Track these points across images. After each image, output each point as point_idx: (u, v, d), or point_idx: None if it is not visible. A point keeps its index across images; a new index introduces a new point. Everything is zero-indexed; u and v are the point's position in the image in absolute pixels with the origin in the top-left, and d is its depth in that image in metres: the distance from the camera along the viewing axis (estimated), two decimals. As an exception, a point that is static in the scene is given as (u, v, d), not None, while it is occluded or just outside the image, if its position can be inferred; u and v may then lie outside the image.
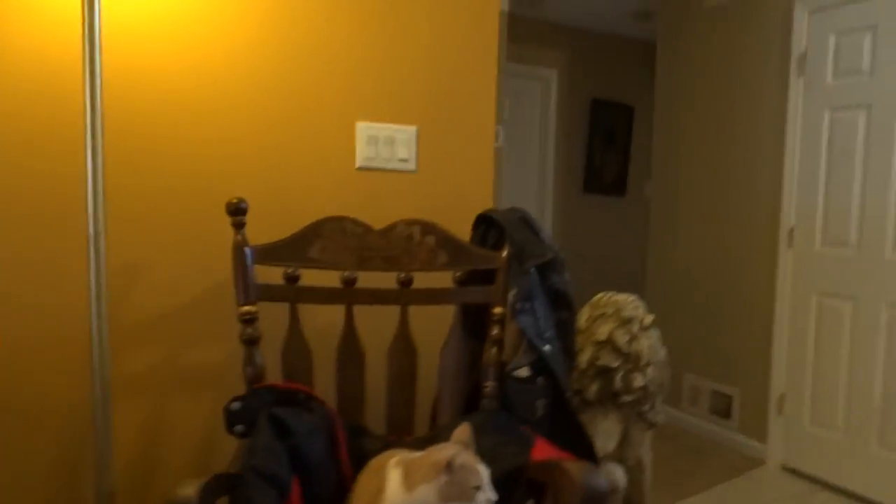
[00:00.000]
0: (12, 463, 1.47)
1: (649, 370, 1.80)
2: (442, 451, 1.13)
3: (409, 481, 1.13)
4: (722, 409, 3.42)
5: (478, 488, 1.10)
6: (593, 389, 1.80)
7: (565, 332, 1.56)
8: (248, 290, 1.44)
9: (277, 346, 1.49)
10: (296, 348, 1.51)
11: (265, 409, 1.25)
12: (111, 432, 1.42)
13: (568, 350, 1.56)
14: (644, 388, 1.79)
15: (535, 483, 1.26)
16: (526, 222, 1.56)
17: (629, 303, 1.83)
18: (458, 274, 1.59)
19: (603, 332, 1.80)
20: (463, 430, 1.18)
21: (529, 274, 1.50)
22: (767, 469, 3.11)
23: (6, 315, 1.45)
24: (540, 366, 1.50)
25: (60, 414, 1.50)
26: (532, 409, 1.49)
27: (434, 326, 1.63)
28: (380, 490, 1.18)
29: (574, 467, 1.11)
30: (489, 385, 1.50)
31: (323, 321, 1.66)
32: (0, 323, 1.44)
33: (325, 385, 1.51)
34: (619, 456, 1.85)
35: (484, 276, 1.59)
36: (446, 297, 1.59)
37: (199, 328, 1.63)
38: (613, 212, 4.72)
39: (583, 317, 1.84)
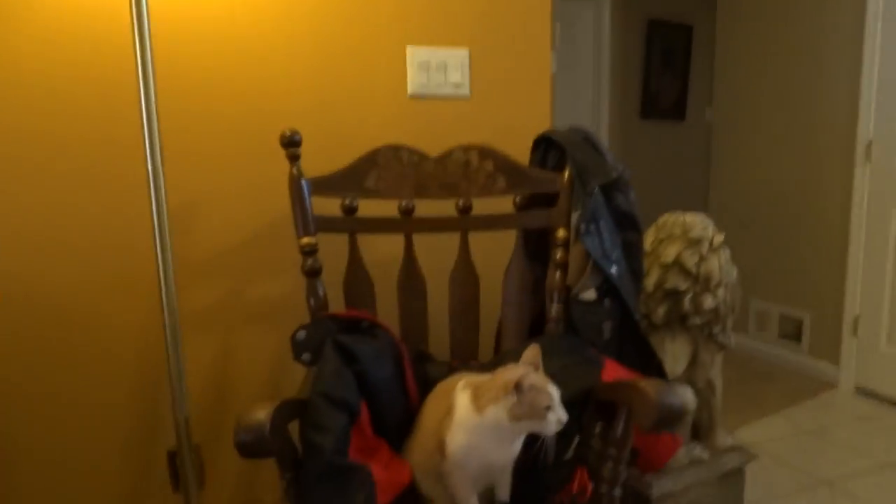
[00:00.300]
0: (96, 397, 1.53)
1: (720, 291, 1.73)
2: (511, 372, 1.12)
3: (479, 403, 1.13)
4: (791, 332, 3.32)
5: (548, 408, 1.08)
6: (661, 313, 1.75)
7: (632, 253, 1.51)
8: (306, 221, 1.43)
9: (339, 279, 1.49)
10: (357, 279, 1.50)
11: (330, 336, 1.25)
12: (184, 365, 1.45)
13: (635, 272, 1.51)
14: (715, 309, 1.73)
15: (605, 404, 1.24)
16: (588, 141, 1.49)
17: (697, 222, 1.75)
18: (518, 198, 1.55)
19: (670, 253, 1.74)
20: (532, 351, 1.16)
21: (593, 195, 1.44)
22: (839, 391, 3.03)
23: (74, 256, 1.48)
24: (606, 288, 1.46)
25: (136, 349, 1.55)
26: (599, 332, 1.46)
27: (495, 252, 1.60)
28: (448, 413, 1.18)
29: (648, 385, 1.08)
30: (554, 309, 1.47)
31: (383, 252, 1.65)
32: (69, 265, 1.48)
33: (387, 314, 1.51)
34: (688, 378, 1.81)
35: (545, 200, 1.54)
36: (507, 223, 1.55)
37: (261, 262, 1.64)
38: (672, 138, 4.53)
39: (648, 239, 1.78)
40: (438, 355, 1.52)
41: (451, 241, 1.54)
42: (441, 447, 1.17)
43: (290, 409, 1.13)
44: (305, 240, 1.42)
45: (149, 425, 1.58)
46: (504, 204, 1.56)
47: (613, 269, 1.43)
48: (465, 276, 1.55)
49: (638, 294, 1.53)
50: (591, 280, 1.44)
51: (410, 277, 1.54)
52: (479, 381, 1.18)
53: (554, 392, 1.09)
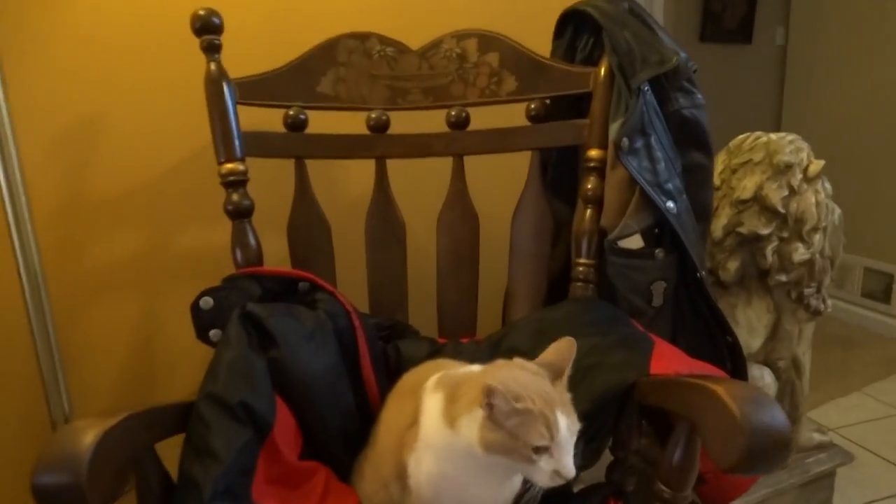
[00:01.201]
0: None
1: (816, 238, 1.26)
2: (500, 370, 0.69)
3: (451, 411, 0.71)
4: (878, 291, 2.81)
5: (540, 450, 0.65)
6: (732, 268, 1.30)
7: (698, 182, 1.05)
8: (229, 140, 1.01)
9: (284, 224, 1.07)
10: (306, 222, 1.08)
11: (239, 307, 0.84)
12: (55, 342, 1.06)
13: (702, 209, 1.06)
14: (808, 263, 1.27)
15: (653, 411, 0.81)
16: (635, 15, 1.02)
17: (786, 144, 1.27)
18: (533, 105, 1.09)
19: (748, 185, 1.27)
20: (562, 347, 0.72)
21: (643, 94, 0.98)
22: (940, 362, 2.52)
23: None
24: (658, 233, 1.00)
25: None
26: (646, 296, 1.01)
27: (501, 185, 1.16)
28: (414, 422, 0.76)
29: (729, 392, 0.64)
30: (583, 263, 1.03)
31: (344, 184, 1.23)
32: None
33: (351, 271, 1.09)
34: (766, 356, 1.36)
35: (573, 107, 1.09)
36: (518, 141, 1.10)
37: (187, 205, 1.23)
38: (737, 63, 3.94)
39: (716, 168, 1.31)
40: (421, 329, 1.10)
41: (441, 168, 1.11)
42: (401, 474, 0.76)
43: (158, 424, 0.73)
44: (228, 166, 1.00)
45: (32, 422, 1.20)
46: (513, 114, 1.10)
47: (670, 205, 0.98)
48: (460, 217, 1.11)
49: (704, 242, 1.08)
50: (636, 221, 0.99)
51: (383, 220, 1.11)
52: (461, 376, 0.76)
53: (561, 423, 0.65)
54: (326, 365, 0.86)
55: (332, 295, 0.93)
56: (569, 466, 0.64)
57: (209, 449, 0.71)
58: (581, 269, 1.03)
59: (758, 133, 1.32)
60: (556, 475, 0.64)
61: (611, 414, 0.85)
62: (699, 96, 1.04)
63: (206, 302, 0.88)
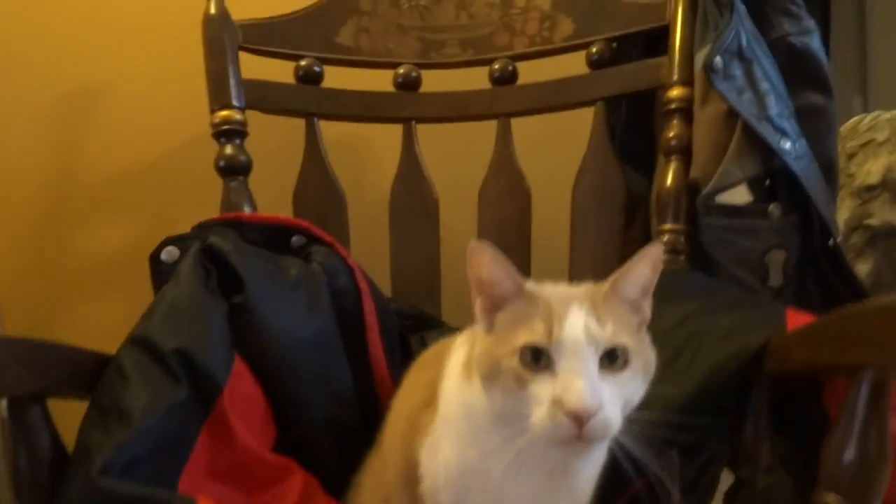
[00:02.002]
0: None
1: (970, 232, 0.98)
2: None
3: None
4: None
5: (537, 365, 0.42)
6: (862, 272, 1.01)
7: (818, 129, 0.80)
8: (224, 84, 0.83)
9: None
10: (316, 192, 0.88)
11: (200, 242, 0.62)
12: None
13: (826, 164, 0.80)
14: (962, 263, 0.98)
15: (798, 389, 0.54)
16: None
17: (917, 118, 1.02)
18: (595, 49, 0.88)
19: (873, 169, 1.01)
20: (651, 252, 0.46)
21: (736, 10, 0.76)
22: None
23: None
24: (771, 185, 0.75)
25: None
26: (760, 272, 0.74)
27: (557, 150, 0.94)
28: (432, 397, 0.51)
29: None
30: (669, 229, 0.78)
31: (366, 152, 1.03)
32: None
33: (372, 254, 0.87)
34: None
35: (644, 47, 0.88)
36: (578, 92, 0.89)
37: (191, 194, 1.04)
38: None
39: (828, 154, 1.06)
40: (455, 323, 0.85)
41: (483, 133, 0.90)
42: (410, 478, 0.50)
43: (52, 369, 0.50)
44: (222, 114, 0.83)
45: None
46: (569, 67, 0.90)
47: (786, 145, 0.73)
48: (507, 189, 0.89)
49: (835, 203, 0.82)
50: (739, 167, 0.74)
51: (411, 192, 0.90)
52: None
53: (572, 320, 0.41)
54: (315, 327, 0.61)
55: (333, 248, 0.70)
56: (580, 392, 0.38)
57: (119, 406, 0.47)
58: (667, 237, 0.78)
59: (875, 112, 1.08)
60: (559, 409, 0.38)
61: (722, 403, 0.58)
62: (809, 21, 0.81)
63: (170, 253, 0.66)
